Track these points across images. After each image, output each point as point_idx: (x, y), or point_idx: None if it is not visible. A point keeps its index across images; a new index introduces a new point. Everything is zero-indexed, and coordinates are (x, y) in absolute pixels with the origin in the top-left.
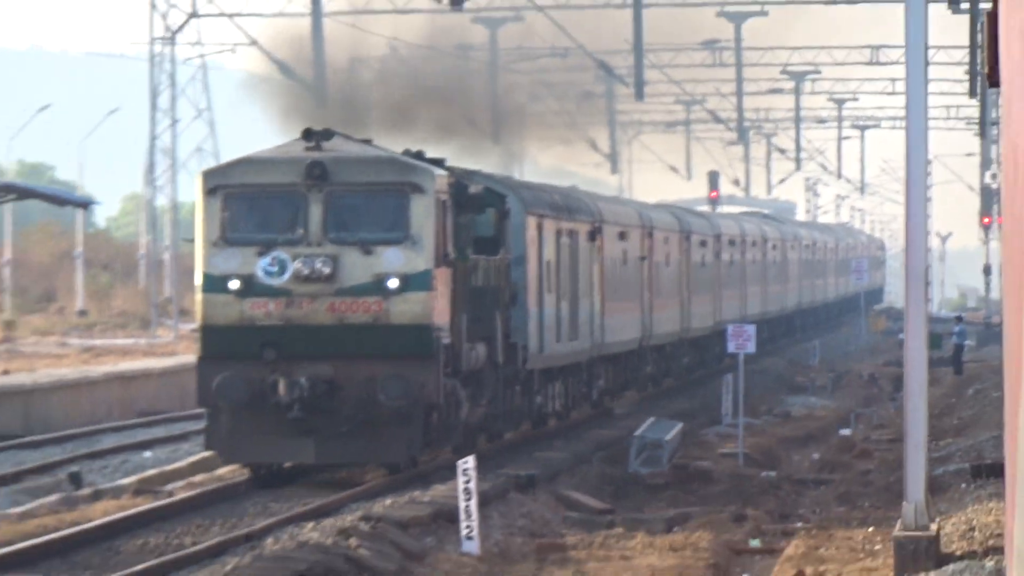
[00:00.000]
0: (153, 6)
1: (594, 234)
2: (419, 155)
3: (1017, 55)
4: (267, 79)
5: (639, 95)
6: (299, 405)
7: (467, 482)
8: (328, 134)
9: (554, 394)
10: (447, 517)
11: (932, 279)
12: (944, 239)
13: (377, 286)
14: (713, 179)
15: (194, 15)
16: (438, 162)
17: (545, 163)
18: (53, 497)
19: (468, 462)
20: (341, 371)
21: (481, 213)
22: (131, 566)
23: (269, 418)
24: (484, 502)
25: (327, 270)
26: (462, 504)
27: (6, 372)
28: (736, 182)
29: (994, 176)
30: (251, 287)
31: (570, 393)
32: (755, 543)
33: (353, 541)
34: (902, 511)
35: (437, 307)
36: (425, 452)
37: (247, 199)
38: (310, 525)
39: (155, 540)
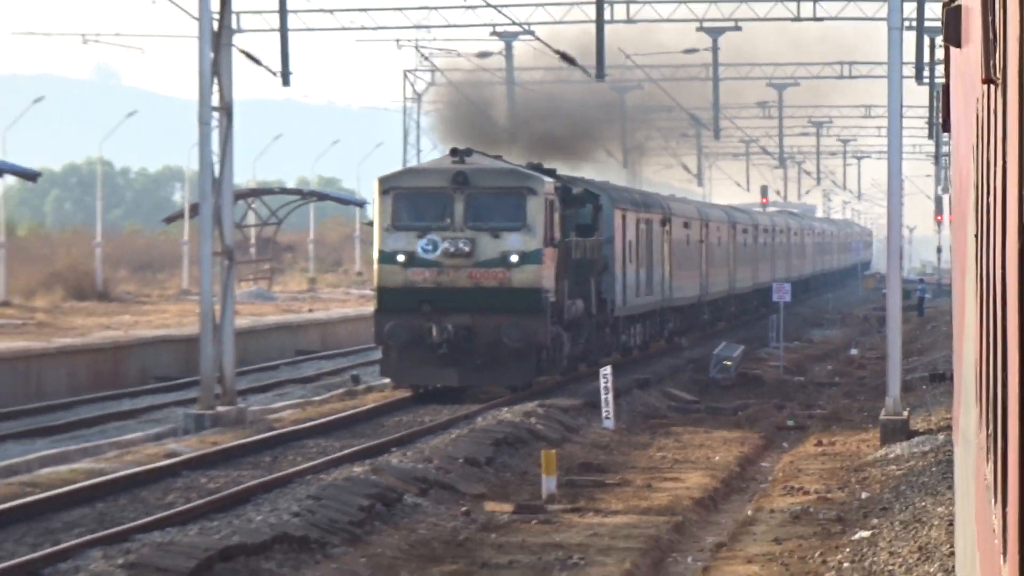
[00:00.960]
0: (405, 77)
1: (664, 222)
2: (538, 167)
3: (960, 112)
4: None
5: (716, 136)
6: (446, 345)
7: (606, 382)
8: (469, 152)
9: (635, 334)
10: (592, 405)
11: (904, 255)
12: (911, 230)
13: (502, 260)
14: (763, 190)
15: (432, 84)
16: (550, 171)
17: (656, 180)
18: (340, 391)
19: (607, 369)
20: (476, 321)
21: (582, 207)
22: (391, 433)
23: (425, 354)
24: (616, 395)
25: (467, 249)
26: (603, 396)
27: (311, 310)
28: (778, 192)
29: (944, 190)
30: (413, 260)
31: (647, 333)
32: (791, 423)
33: (533, 420)
34: (885, 403)
35: (545, 275)
36: (537, 378)
37: (410, 197)
38: (504, 409)
39: (407, 418)
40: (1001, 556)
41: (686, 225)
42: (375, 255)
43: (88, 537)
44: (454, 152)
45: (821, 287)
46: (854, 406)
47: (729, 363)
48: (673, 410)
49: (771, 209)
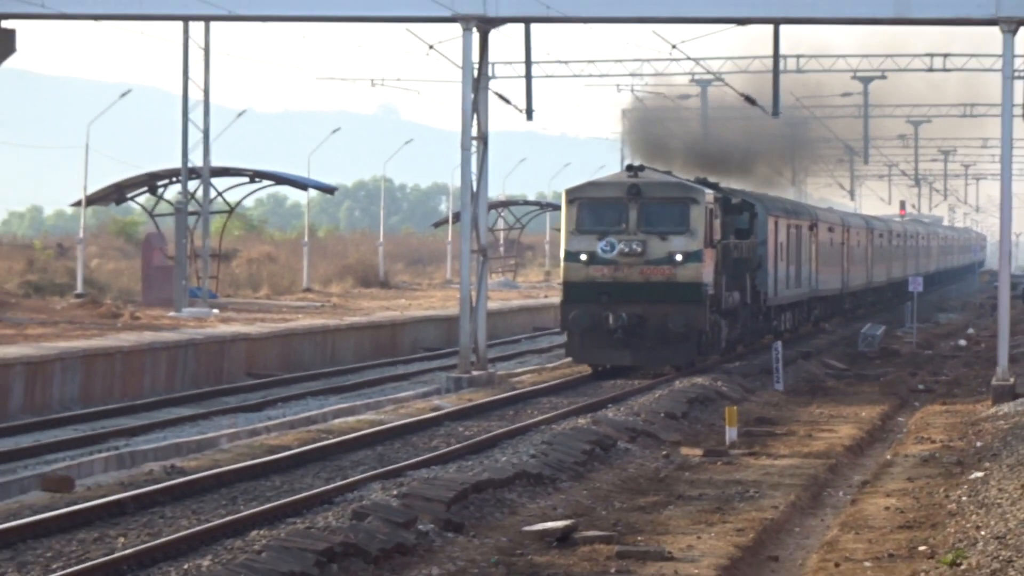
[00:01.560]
0: (623, 114)
1: (812, 227)
2: (703, 180)
3: None
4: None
5: (865, 161)
6: (621, 330)
7: (777, 354)
8: (642, 167)
9: (785, 320)
10: (766, 372)
11: (1012, 256)
12: (1018, 235)
13: (669, 259)
14: (901, 204)
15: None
16: (713, 185)
17: (816, 195)
18: (568, 360)
19: (778, 344)
20: (647, 310)
21: (740, 215)
22: (607, 394)
23: (602, 338)
24: (785, 364)
25: (639, 249)
26: (774, 365)
27: (546, 296)
28: (913, 205)
29: None
30: (594, 259)
31: (796, 319)
32: (921, 387)
33: (719, 383)
34: (996, 372)
35: (705, 272)
36: (699, 358)
37: (592, 205)
38: (697, 377)
39: (620, 381)
40: None
41: (830, 229)
42: (562, 254)
43: (370, 473)
44: (629, 168)
45: (944, 281)
46: (971, 374)
47: (874, 339)
48: (829, 376)
49: (906, 218)
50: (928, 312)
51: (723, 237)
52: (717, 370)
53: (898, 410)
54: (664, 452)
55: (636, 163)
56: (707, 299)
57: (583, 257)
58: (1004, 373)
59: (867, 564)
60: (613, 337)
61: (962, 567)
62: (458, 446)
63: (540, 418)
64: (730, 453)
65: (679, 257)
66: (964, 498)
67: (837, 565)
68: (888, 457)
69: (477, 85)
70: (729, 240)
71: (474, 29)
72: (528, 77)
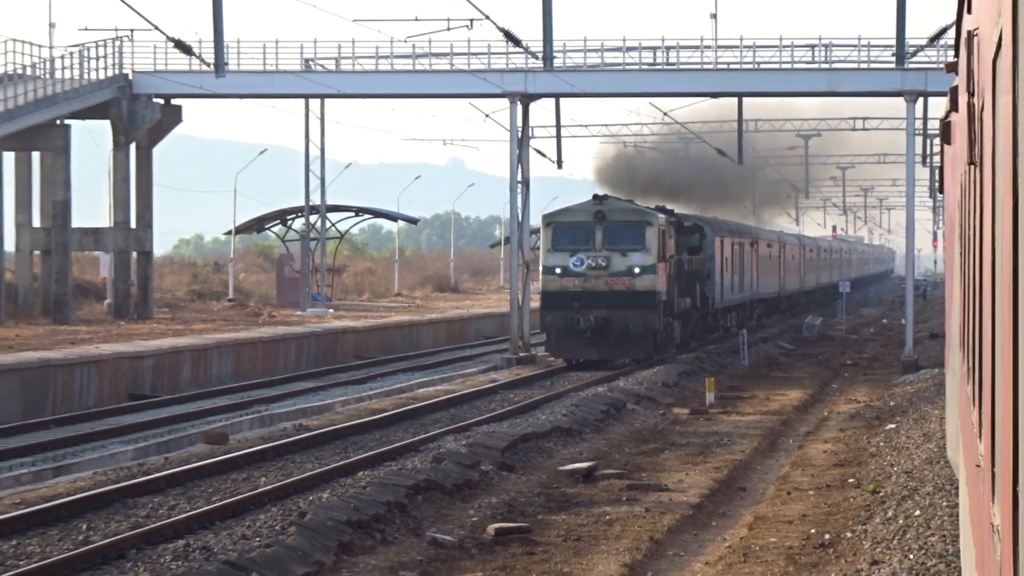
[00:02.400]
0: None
1: (753, 244)
2: (661, 208)
3: (950, 181)
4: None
5: (807, 196)
6: (590, 331)
7: (743, 337)
8: (606, 197)
9: (731, 319)
10: (735, 352)
11: (914, 265)
12: (919, 250)
13: (629, 272)
14: (833, 228)
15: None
16: (668, 211)
17: (771, 222)
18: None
19: (744, 332)
20: (611, 314)
21: (692, 235)
22: (620, 369)
23: (575, 337)
24: (748, 346)
25: (604, 264)
26: (741, 346)
27: None
28: (842, 228)
29: (938, 227)
30: (566, 272)
31: (740, 318)
32: (849, 362)
33: (700, 361)
34: (904, 350)
35: (659, 282)
36: (656, 353)
37: (565, 228)
38: (682, 356)
39: (580, 374)
40: (977, 438)
41: (769, 245)
42: (540, 269)
43: (445, 428)
44: (595, 197)
45: (864, 284)
46: (886, 352)
47: (815, 327)
48: (781, 354)
49: (835, 238)
50: (853, 307)
51: (676, 253)
52: (675, 360)
53: (832, 379)
54: (661, 412)
55: (602, 193)
56: (661, 305)
57: (558, 270)
58: (909, 352)
59: (810, 492)
60: (584, 336)
61: (880, 494)
62: (509, 408)
63: (569, 387)
64: (709, 412)
65: (637, 270)
66: (881, 443)
67: (788, 493)
68: (825, 413)
69: (521, 143)
70: (682, 255)
71: (518, 103)
72: (558, 137)
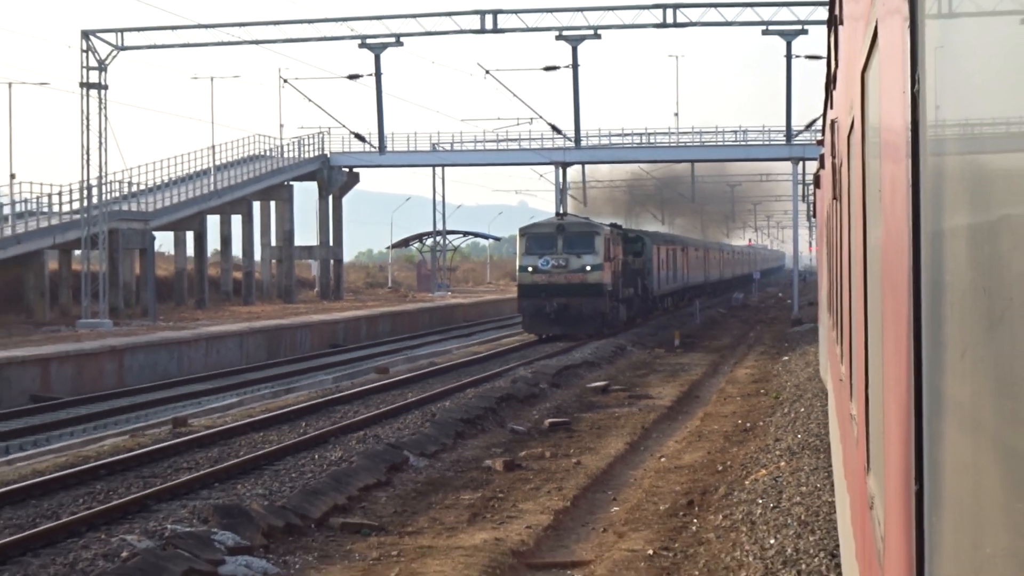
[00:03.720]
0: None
1: (683, 249)
2: (614, 224)
3: (821, 211)
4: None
5: (734, 220)
6: (554, 313)
7: (696, 306)
8: (566, 215)
9: (667, 302)
10: (692, 315)
11: (797, 261)
12: (803, 253)
13: (582, 269)
14: (749, 239)
15: (572, 193)
16: (617, 226)
17: (714, 237)
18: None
19: (697, 303)
20: (570, 301)
21: (636, 243)
22: (625, 329)
23: (543, 318)
24: (701, 310)
25: (564, 264)
26: (696, 311)
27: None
28: (753, 240)
29: (812, 238)
30: (536, 270)
31: (675, 301)
32: (759, 322)
33: (628, 343)
34: (792, 312)
35: (605, 277)
36: (604, 328)
37: (535, 237)
38: (653, 323)
39: (633, 328)
40: (840, 364)
41: (696, 250)
42: (517, 267)
43: (518, 363)
44: (558, 215)
45: (766, 275)
46: (782, 314)
47: (738, 300)
48: (720, 316)
49: (749, 246)
50: (760, 288)
51: (623, 256)
52: (628, 333)
53: (750, 330)
54: (647, 351)
55: (563, 212)
56: (607, 294)
57: (530, 269)
58: (796, 312)
59: (738, 398)
60: (549, 317)
61: (779, 399)
62: (554, 351)
63: (591, 341)
64: (676, 351)
65: (588, 268)
66: (780, 368)
67: (724, 399)
68: (746, 351)
69: (562, 191)
70: (628, 258)
71: (559, 167)
72: (584, 186)
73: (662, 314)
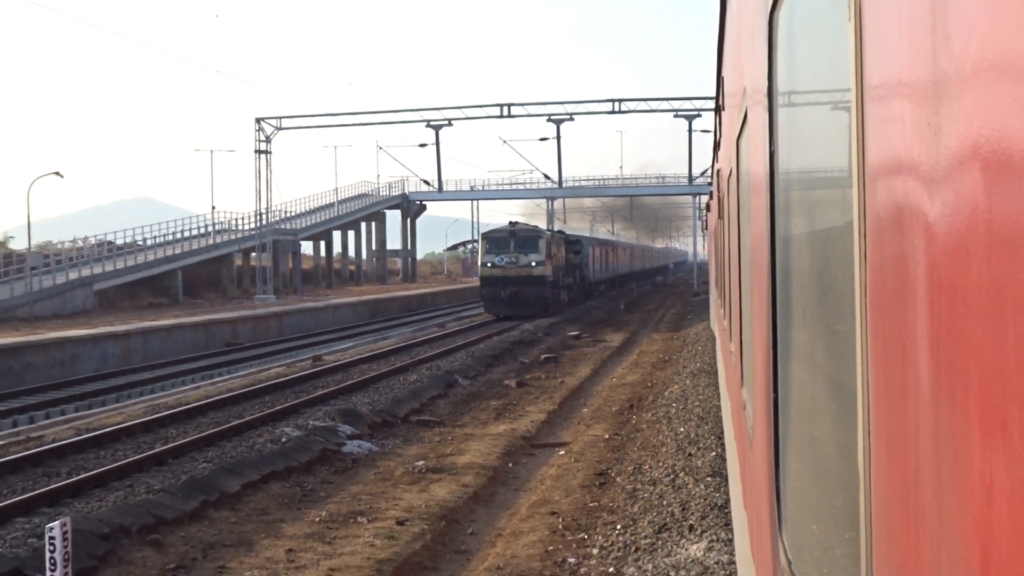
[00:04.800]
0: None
1: (613, 249)
2: (560, 231)
3: (712, 226)
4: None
5: (658, 232)
6: (507, 298)
7: (633, 287)
8: (517, 223)
9: (601, 287)
10: (600, 307)
11: (696, 258)
12: (698, 253)
13: (528, 265)
14: (667, 243)
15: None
16: (561, 232)
17: (655, 241)
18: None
19: (633, 284)
20: (519, 289)
21: (576, 244)
22: (566, 310)
23: (499, 302)
24: (631, 294)
25: (515, 261)
26: (632, 289)
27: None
28: (670, 244)
29: (704, 243)
30: (493, 265)
31: (607, 286)
32: (672, 297)
33: (598, 305)
34: (693, 287)
35: (546, 271)
36: (547, 311)
37: (493, 240)
38: (577, 307)
39: (571, 309)
40: (722, 317)
41: (624, 249)
42: (479, 263)
43: (525, 322)
44: (511, 223)
45: (676, 267)
46: (687, 289)
47: (661, 279)
48: (648, 291)
49: (664, 247)
50: (673, 274)
51: (567, 253)
52: (567, 312)
53: (666, 300)
54: (606, 312)
55: (515, 221)
56: (548, 284)
57: (489, 264)
58: (696, 288)
59: (659, 341)
60: (503, 301)
61: (686, 342)
62: (548, 316)
63: (568, 307)
64: (622, 312)
65: (533, 264)
66: (685, 323)
67: (651, 342)
68: (664, 312)
69: (551, 219)
70: (569, 255)
71: (549, 200)
72: (564, 210)
73: (598, 296)
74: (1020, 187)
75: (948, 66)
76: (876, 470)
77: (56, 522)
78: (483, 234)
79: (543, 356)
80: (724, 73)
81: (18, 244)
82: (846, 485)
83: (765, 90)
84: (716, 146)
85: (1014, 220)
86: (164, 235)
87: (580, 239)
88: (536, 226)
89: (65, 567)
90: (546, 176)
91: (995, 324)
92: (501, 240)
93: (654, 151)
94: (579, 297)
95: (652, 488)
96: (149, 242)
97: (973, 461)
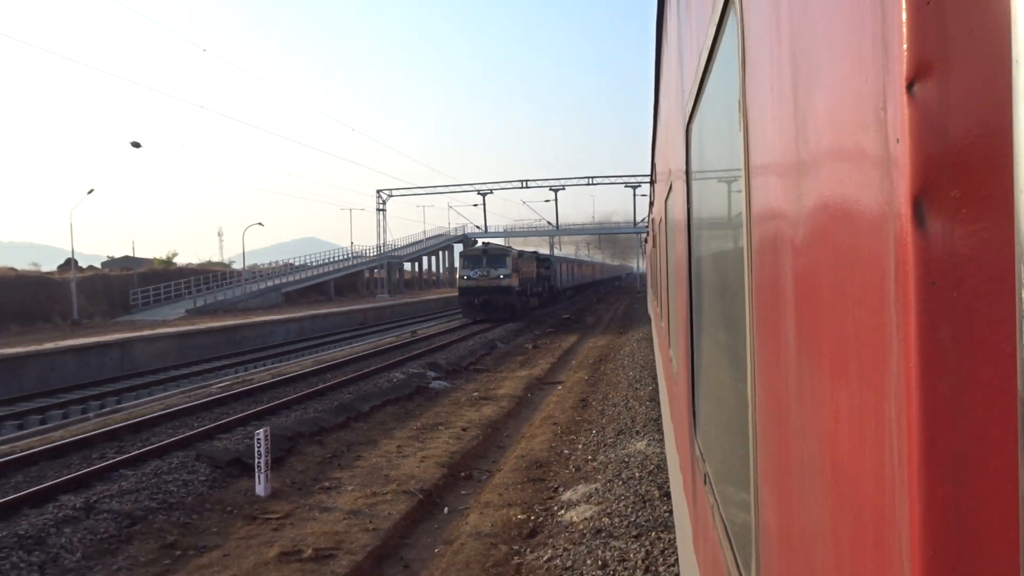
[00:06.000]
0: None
1: (579, 264)
2: (535, 253)
3: (647, 250)
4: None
5: (617, 254)
6: (480, 305)
7: (604, 288)
8: (488, 243)
9: (568, 293)
10: (567, 310)
11: (638, 271)
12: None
13: (497, 277)
14: (621, 261)
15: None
16: (534, 253)
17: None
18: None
19: (602, 285)
20: (490, 296)
21: (547, 261)
22: (533, 314)
23: (474, 308)
24: (603, 293)
25: (487, 274)
26: (605, 287)
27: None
28: (623, 262)
29: (643, 260)
30: (469, 277)
31: (575, 292)
32: (625, 294)
33: (569, 308)
34: (638, 289)
35: (513, 282)
36: (515, 316)
37: (469, 257)
38: (541, 310)
39: (540, 310)
40: (656, 306)
41: (587, 266)
42: (458, 276)
43: (537, 306)
44: (483, 243)
45: (628, 276)
46: (635, 291)
47: (626, 281)
48: (609, 292)
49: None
50: (625, 281)
51: (538, 268)
52: (530, 317)
53: (622, 296)
54: (567, 316)
55: (487, 242)
56: (515, 293)
57: (465, 277)
58: (639, 289)
59: (616, 321)
60: (477, 308)
61: (632, 321)
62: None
63: (543, 313)
64: (596, 303)
65: (501, 276)
66: (632, 312)
67: (612, 321)
68: (619, 304)
69: (552, 248)
70: (540, 270)
71: (551, 237)
72: (560, 243)
73: (565, 300)
74: (844, 236)
75: (804, 156)
76: (760, 396)
77: (261, 429)
78: (461, 253)
79: (548, 329)
80: (656, 160)
81: (236, 266)
82: (738, 405)
83: (684, 170)
84: (651, 204)
85: (837, 257)
86: (323, 259)
87: (549, 257)
88: (506, 246)
89: (267, 456)
90: (549, 223)
91: (834, 309)
92: (476, 258)
93: (614, 204)
94: (548, 302)
95: (614, 409)
96: (314, 263)
97: (826, 391)
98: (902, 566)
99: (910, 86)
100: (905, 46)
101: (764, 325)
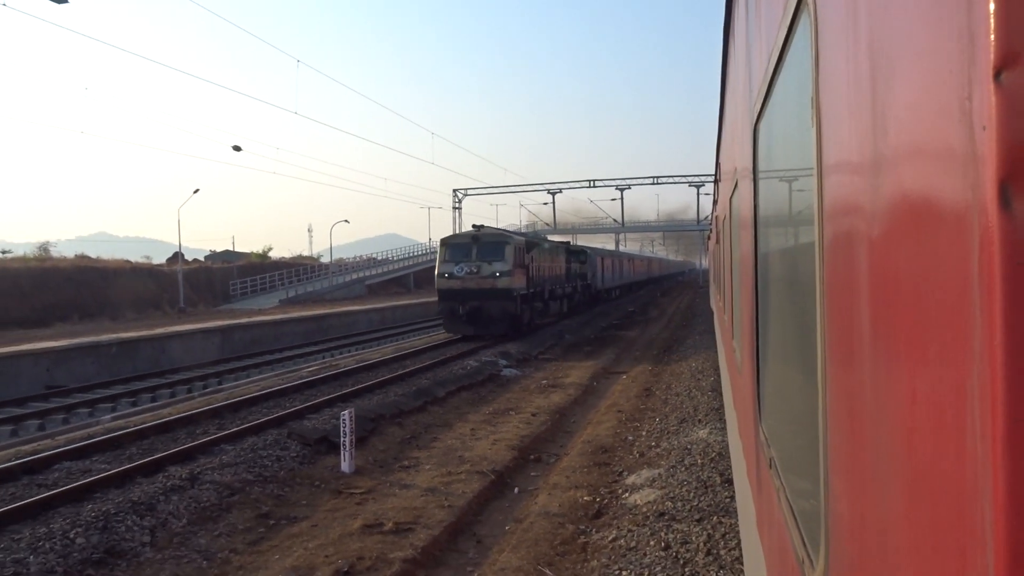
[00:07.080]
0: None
1: (629, 261)
2: (565, 243)
3: (710, 246)
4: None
5: (681, 251)
6: (467, 315)
7: (632, 309)
8: (482, 226)
9: (612, 293)
10: (609, 312)
11: (700, 266)
12: (686, 260)
13: (493, 276)
14: (685, 257)
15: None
16: (564, 244)
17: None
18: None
19: (664, 284)
20: (481, 303)
21: (582, 254)
22: (548, 328)
23: (458, 320)
24: (650, 297)
25: (476, 270)
26: (631, 309)
27: None
28: (687, 258)
29: (705, 257)
30: (452, 276)
31: (620, 292)
32: (689, 289)
33: (613, 317)
34: (700, 284)
35: (515, 282)
36: (512, 330)
37: (453, 246)
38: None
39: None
40: (719, 300)
41: (630, 260)
42: (436, 273)
43: (598, 307)
44: (474, 227)
45: (689, 271)
46: (698, 286)
47: (681, 278)
48: (671, 287)
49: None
50: (688, 277)
51: (567, 262)
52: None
53: (685, 290)
54: (631, 309)
55: (481, 225)
56: (517, 298)
57: (447, 275)
58: (702, 284)
59: (680, 314)
60: (462, 319)
61: (696, 313)
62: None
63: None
64: (659, 298)
65: (498, 274)
66: (695, 306)
67: (677, 314)
68: (684, 298)
69: (616, 243)
70: (571, 264)
71: (615, 234)
72: (624, 239)
73: (605, 302)
74: (924, 227)
75: (884, 150)
76: (831, 384)
77: (346, 411)
78: (442, 240)
79: (612, 323)
80: (721, 159)
81: (324, 260)
82: (807, 393)
83: (751, 168)
84: (714, 202)
85: (918, 245)
86: (403, 254)
87: (585, 249)
88: (506, 231)
89: (351, 435)
90: (615, 220)
91: (912, 299)
92: (462, 246)
93: (677, 203)
94: (584, 302)
95: (677, 398)
96: (395, 257)
97: (903, 379)
98: (985, 556)
99: (997, 75)
100: (992, 37)
101: (836, 314)
